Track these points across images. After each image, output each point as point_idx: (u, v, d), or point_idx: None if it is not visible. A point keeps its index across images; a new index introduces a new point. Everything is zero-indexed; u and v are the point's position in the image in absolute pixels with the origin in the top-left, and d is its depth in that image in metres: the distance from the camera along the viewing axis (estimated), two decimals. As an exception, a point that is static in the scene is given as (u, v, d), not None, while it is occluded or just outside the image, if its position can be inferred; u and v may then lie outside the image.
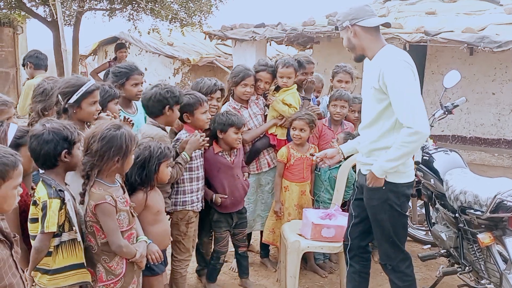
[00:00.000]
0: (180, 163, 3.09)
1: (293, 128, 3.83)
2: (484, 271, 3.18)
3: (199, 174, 3.34)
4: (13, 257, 1.78)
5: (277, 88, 4.02)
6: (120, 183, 2.50)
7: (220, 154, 3.45)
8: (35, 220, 2.21)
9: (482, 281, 3.18)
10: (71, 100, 2.64)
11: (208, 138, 3.27)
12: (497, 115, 9.07)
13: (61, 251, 2.25)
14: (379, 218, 2.88)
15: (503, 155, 8.53)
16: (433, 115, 4.08)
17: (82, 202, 2.39)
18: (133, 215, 2.50)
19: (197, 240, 3.61)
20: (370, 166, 2.83)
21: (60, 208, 2.18)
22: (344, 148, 3.26)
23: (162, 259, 2.73)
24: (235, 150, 3.53)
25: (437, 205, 3.71)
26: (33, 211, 2.21)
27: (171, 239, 3.07)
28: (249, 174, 3.80)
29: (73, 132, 2.30)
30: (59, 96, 2.66)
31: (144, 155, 2.70)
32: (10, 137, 2.37)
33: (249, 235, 4.17)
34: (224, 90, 3.75)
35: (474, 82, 9.06)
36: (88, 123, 2.80)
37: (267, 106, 3.99)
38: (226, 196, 3.43)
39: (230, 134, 3.40)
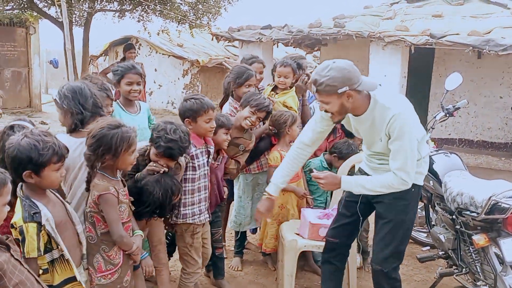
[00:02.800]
0: None
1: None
2: (480, 273, 3.19)
3: (202, 183, 3.17)
4: (14, 256, 1.82)
5: (274, 88, 4.06)
6: (120, 177, 2.55)
7: None
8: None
9: (478, 283, 3.19)
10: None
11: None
12: (505, 119, 9.02)
13: (55, 268, 2.22)
14: (397, 219, 2.80)
15: (510, 159, 8.48)
16: (434, 117, 4.11)
17: (87, 189, 2.44)
18: (131, 209, 2.56)
19: (210, 252, 3.46)
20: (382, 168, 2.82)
21: (40, 230, 2.09)
22: (273, 191, 3.06)
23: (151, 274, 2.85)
24: (221, 156, 3.44)
25: (436, 207, 3.72)
26: (14, 233, 2.13)
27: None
28: (228, 189, 3.68)
29: (45, 154, 2.08)
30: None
31: (156, 199, 2.70)
32: None
33: (244, 233, 4.17)
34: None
35: (482, 85, 9.02)
36: None
37: None
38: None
39: (220, 135, 3.31)
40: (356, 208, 2.99)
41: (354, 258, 3.51)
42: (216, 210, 3.54)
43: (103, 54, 15.09)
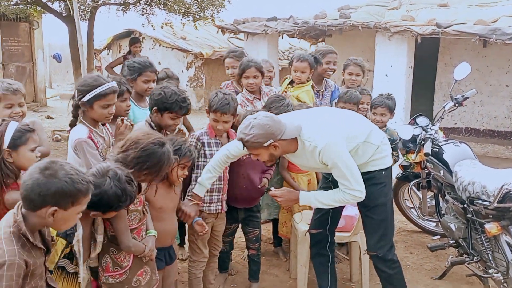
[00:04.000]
0: None
1: None
2: (491, 261, 3.24)
3: None
4: (45, 262, 1.86)
5: (292, 82, 4.07)
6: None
7: None
8: None
9: (490, 271, 3.24)
10: (84, 99, 2.66)
11: None
12: (511, 107, 9.02)
13: (63, 279, 2.22)
14: (380, 202, 2.96)
15: (517, 148, 8.50)
16: (444, 107, 4.12)
17: None
18: (144, 213, 2.55)
19: (220, 244, 3.45)
20: None
21: (66, 247, 2.15)
22: (201, 193, 3.07)
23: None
24: None
25: (447, 196, 3.76)
26: None
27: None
28: (268, 180, 3.53)
29: (123, 205, 2.16)
30: (75, 92, 2.71)
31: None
32: (8, 137, 2.29)
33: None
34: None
35: (488, 74, 9.01)
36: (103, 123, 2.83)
37: None
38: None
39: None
40: None
41: (365, 246, 3.54)
42: (253, 209, 3.52)
43: (106, 48, 15.10)
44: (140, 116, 3.42)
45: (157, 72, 3.58)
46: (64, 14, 9.57)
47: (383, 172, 2.96)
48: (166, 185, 2.83)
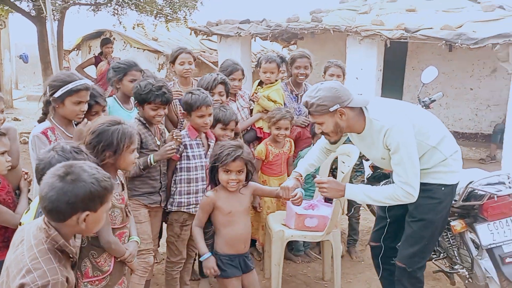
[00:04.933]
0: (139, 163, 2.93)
1: (277, 128, 3.82)
2: (457, 257, 3.37)
3: (200, 175, 3.24)
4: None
5: (261, 83, 4.15)
6: (120, 180, 2.47)
7: None
8: None
9: (455, 267, 3.37)
10: (56, 95, 2.63)
11: (175, 150, 3.11)
12: (475, 110, 9.36)
13: None
14: (428, 217, 2.78)
15: (480, 149, 8.80)
16: (412, 109, 4.24)
17: None
18: (127, 215, 2.47)
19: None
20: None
21: None
22: (302, 171, 3.12)
23: (218, 273, 2.73)
24: None
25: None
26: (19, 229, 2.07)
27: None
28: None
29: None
30: (47, 87, 2.66)
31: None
32: None
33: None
34: (227, 84, 3.67)
35: (453, 77, 9.32)
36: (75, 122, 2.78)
37: (252, 100, 4.11)
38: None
39: (216, 130, 3.38)
40: (392, 209, 2.98)
41: (338, 246, 3.63)
42: None
43: (76, 49, 14.82)
44: (124, 118, 3.40)
45: (142, 72, 3.58)
46: (33, 14, 9.38)
47: (443, 188, 2.74)
48: (224, 189, 2.80)
